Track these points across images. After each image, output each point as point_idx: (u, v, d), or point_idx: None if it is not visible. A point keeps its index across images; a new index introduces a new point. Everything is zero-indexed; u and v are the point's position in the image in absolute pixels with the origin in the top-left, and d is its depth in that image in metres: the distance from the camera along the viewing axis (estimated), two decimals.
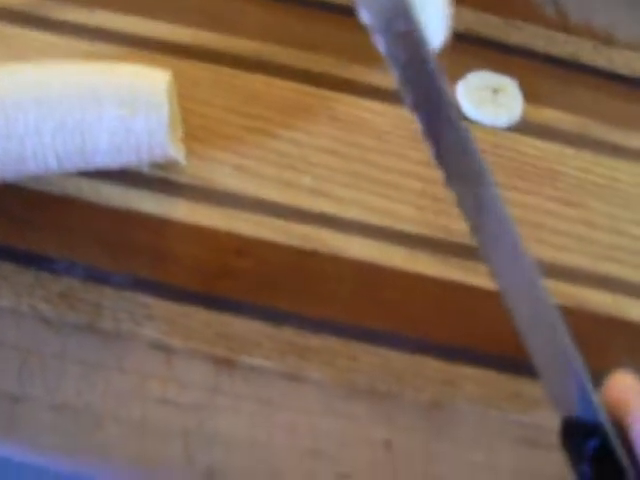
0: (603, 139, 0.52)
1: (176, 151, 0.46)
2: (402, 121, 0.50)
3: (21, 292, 0.43)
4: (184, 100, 0.48)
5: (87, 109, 0.43)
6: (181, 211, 0.46)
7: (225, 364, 0.43)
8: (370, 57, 0.52)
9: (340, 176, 0.48)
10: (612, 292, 0.48)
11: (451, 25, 0.46)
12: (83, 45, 0.50)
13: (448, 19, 0.46)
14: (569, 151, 0.52)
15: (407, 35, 0.34)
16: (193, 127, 0.48)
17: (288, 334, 0.44)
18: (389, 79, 0.51)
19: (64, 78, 0.44)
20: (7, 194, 0.45)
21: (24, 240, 0.44)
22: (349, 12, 0.55)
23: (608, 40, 0.56)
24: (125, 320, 0.43)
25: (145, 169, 0.46)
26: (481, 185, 0.34)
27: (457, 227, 0.48)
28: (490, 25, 0.56)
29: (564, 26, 0.56)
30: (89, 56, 0.50)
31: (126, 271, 0.44)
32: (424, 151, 0.48)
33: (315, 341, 0.44)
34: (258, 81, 0.51)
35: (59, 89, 0.43)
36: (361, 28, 0.54)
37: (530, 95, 0.53)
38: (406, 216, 0.48)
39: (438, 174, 0.49)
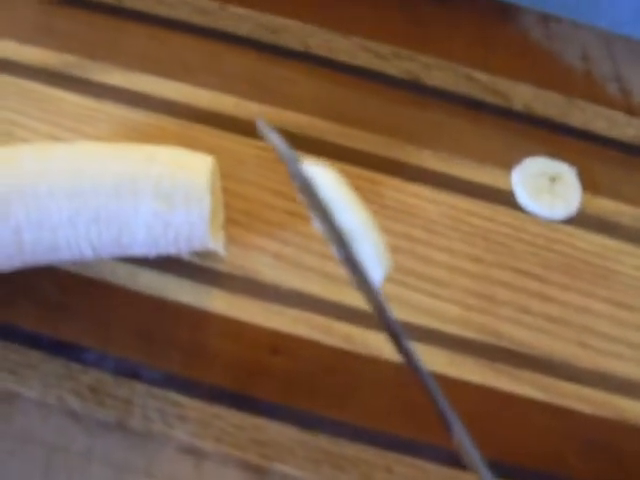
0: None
1: (216, 241, 0.44)
2: (451, 209, 0.48)
3: (49, 383, 0.42)
4: (226, 180, 0.46)
5: (123, 201, 0.41)
6: (218, 303, 0.44)
7: (257, 471, 0.41)
8: (423, 136, 0.51)
9: None
10: None
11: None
12: (122, 111, 0.48)
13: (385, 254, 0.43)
14: (628, 248, 0.49)
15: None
16: (235, 211, 0.46)
17: (323, 442, 0.42)
18: (441, 162, 0.50)
19: (99, 165, 0.41)
20: (39, 275, 0.43)
21: (55, 326, 0.43)
22: (402, 84, 0.53)
23: None
24: (156, 420, 0.42)
25: (184, 256, 0.44)
26: None
27: (506, 330, 0.46)
28: (550, 103, 0.53)
29: (627, 106, 0.53)
30: (127, 123, 0.48)
31: (159, 366, 0.43)
32: (473, 244, 0.47)
33: (351, 450, 0.42)
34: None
35: (94, 178, 0.41)
36: (412, 103, 0.52)
37: (588, 183, 0.50)
38: (451, 316, 0.45)
39: (487, 270, 0.47)
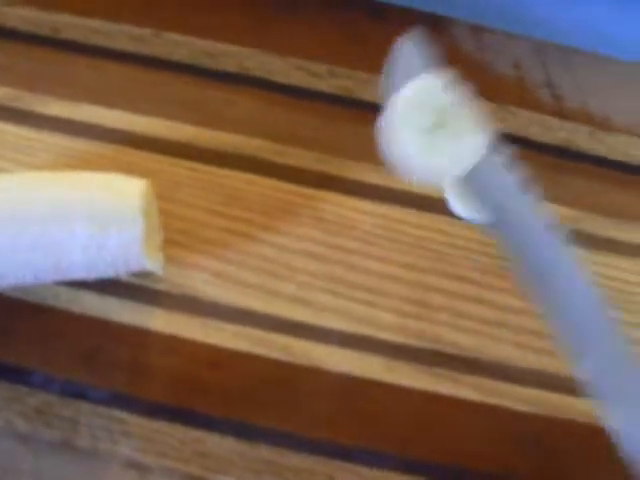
0: (597, 234, 0.51)
1: (153, 262, 0.45)
2: (388, 221, 0.49)
3: None
4: (164, 202, 0.48)
5: (59, 227, 0.42)
6: (159, 321, 0.45)
7: None
8: (359, 150, 0.52)
9: (322, 282, 0.47)
10: None
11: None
12: (61, 140, 0.50)
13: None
14: None
15: None
16: (173, 231, 0.47)
17: (264, 452, 0.43)
18: (376, 174, 0.51)
19: (37, 193, 0.43)
20: None
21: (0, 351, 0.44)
22: (338, 101, 0.54)
23: (605, 125, 0.54)
24: (101, 437, 0.43)
25: (123, 277, 0.45)
26: None
27: (442, 335, 0.47)
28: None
29: (559, 111, 0.54)
30: (67, 152, 0.49)
31: (103, 385, 0.44)
32: (407, 252, 0.48)
33: (292, 460, 0.43)
34: (240, 179, 0.50)
35: (31, 206, 0.42)
36: (349, 119, 0.53)
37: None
38: (387, 323, 0.46)
39: (423, 278, 0.48)
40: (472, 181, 0.41)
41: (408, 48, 0.41)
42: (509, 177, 0.41)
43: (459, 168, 0.40)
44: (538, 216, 0.40)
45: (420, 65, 0.40)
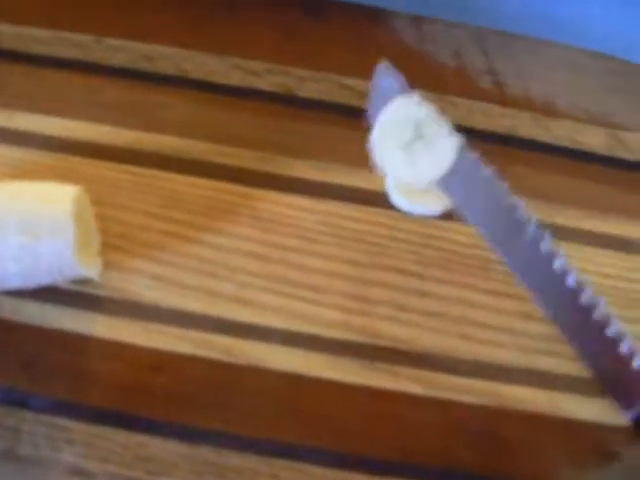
0: (542, 220, 0.50)
1: (92, 267, 0.45)
2: (328, 217, 0.49)
3: None
4: (103, 207, 0.48)
5: None
6: (100, 327, 0.45)
7: None
8: (298, 147, 0.52)
9: (262, 281, 0.47)
10: (548, 389, 0.46)
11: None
12: (1, 150, 0.50)
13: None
14: None
15: None
16: (112, 236, 0.47)
17: (206, 453, 0.43)
18: (315, 171, 0.51)
19: None
20: None
21: None
22: (276, 99, 0.54)
23: (548, 110, 0.54)
24: (44, 445, 0.43)
25: (63, 284, 0.46)
26: None
27: (385, 329, 0.47)
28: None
29: (501, 98, 0.54)
30: (7, 162, 0.49)
31: (46, 393, 0.44)
32: (349, 248, 0.48)
33: (235, 460, 0.43)
34: (179, 181, 0.50)
35: None
36: (287, 117, 0.53)
37: None
38: (331, 320, 0.46)
39: (364, 273, 0.48)
40: (450, 180, 0.47)
41: (383, 75, 0.48)
42: (482, 171, 0.45)
43: (438, 171, 0.47)
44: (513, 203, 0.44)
45: (395, 88, 0.47)
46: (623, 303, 0.49)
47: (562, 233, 0.51)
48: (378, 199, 0.50)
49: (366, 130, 0.49)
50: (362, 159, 0.50)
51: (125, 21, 0.55)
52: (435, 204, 0.50)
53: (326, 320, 0.46)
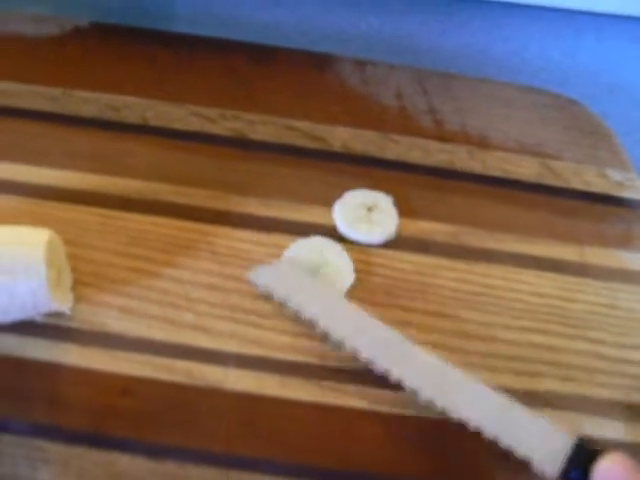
0: (476, 246, 0.55)
1: (62, 303, 0.50)
2: (275, 248, 0.54)
3: None
4: (73, 247, 0.52)
5: None
6: (72, 356, 0.50)
7: None
8: (248, 186, 0.57)
9: (218, 310, 0.52)
10: None
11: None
12: None
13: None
14: (444, 262, 0.55)
15: None
16: (82, 273, 0.52)
17: (170, 467, 0.47)
18: (264, 207, 0.56)
19: None
20: None
21: None
22: (229, 142, 0.59)
23: (482, 143, 0.59)
24: (23, 465, 0.47)
25: (38, 318, 0.50)
26: None
27: (330, 351, 0.51)
28: (367, 140, 0.59)
29: (440, 135, 0.59)
30: None
31: (24, 417, 0.48)
32: None
33: (195, 472, 0.47)
34: (143, 221, 0.54)
35: None
36: (238, 158, 0.58)
37: (405, 209, 0.56)
38: (280, 344, 0.51)
39: None
40: None
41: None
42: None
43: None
44: None
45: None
46: (559, 320, 0.53)
47: (496, 257, 0.55)
48: (324, 231, 0.55)
49: (312, 169, 0.54)
50: (308, 195, 0.55)
51: (93, 73, 0.59)
52: (378, 233, 0.55)
53: (277, 344, 0.51)
